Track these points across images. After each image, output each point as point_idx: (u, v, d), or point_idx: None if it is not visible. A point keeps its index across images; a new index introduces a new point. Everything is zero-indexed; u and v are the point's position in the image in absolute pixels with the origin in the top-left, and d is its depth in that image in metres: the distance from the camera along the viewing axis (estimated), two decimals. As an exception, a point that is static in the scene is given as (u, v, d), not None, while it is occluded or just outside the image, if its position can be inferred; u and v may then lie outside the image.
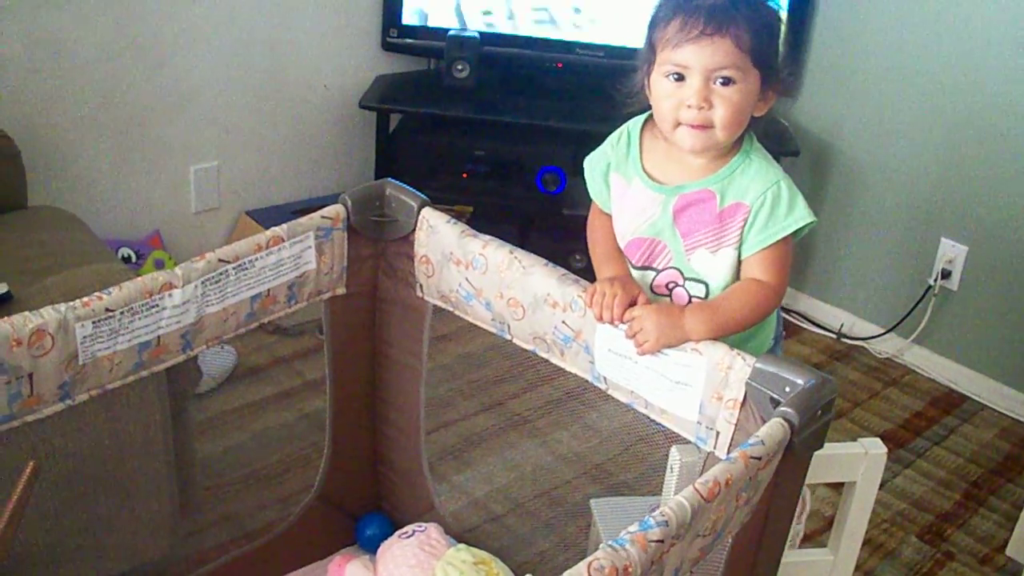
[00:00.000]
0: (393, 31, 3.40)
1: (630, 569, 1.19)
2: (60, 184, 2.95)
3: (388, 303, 2.02)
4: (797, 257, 3.40)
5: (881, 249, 3.35)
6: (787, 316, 3.50)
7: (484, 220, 3.44)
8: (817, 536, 2.56)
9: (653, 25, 1.63)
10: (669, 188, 1.68)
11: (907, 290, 3.31)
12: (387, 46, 3.44)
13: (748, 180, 1.64)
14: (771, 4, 1.65)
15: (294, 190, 3.49)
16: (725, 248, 1.66)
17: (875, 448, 1.72)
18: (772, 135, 3.17)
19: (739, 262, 1.67)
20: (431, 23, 3.39)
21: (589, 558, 1.18)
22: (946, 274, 3.19)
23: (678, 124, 1.61)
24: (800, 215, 1.63)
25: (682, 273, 1.70)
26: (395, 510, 2.20)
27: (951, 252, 3.18)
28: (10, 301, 1.98)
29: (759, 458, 1.36)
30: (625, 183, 1.74)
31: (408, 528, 2.00)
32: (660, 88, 1.62)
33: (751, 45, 1.56)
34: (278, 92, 3.35)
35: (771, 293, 1.65)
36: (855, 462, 1.73)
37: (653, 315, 1.61)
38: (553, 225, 3.49)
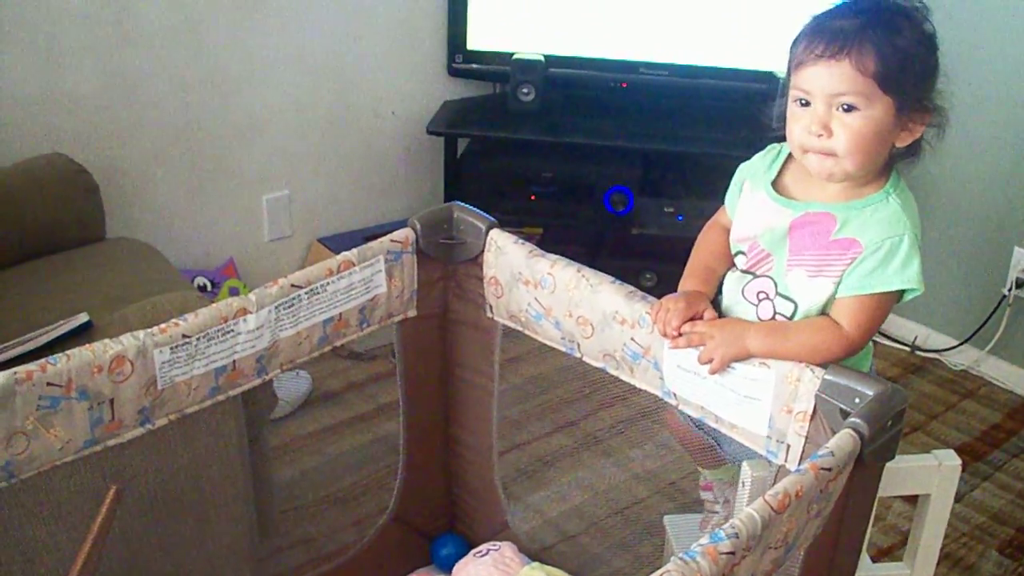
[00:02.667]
0: (458, 56, 3.44)
1: (701, 582, 1.19)
2: (137, 216, 3.02)
3: (459, 324, 2.04)
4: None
5: (954, 259, 3.31)
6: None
7: (553, 242, 3.50)
8: (894, 551, 2.53)
9: (792, 46, 1.58)
10: (798, 203, 1.63)
11: (981, 300, 3.26)
12: (453, 71, 3.48)
13: (875, 220, 1.56)
14: (919, 27, 1.54)
15: (364, 216, 3.54)
16: (824, 278, 1.59)
17: (949, 460, 1.71)
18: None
19: (834, 298, 1.60)
20: (496, 47, 3.41)
21: (660, 571, 1.18)
22: (1020, 283, 3.14)
23: (806, 151, 1.56)
24: (909, 277, 1.54)
25: (776, 286, 1.65)
26: (469, 530, 2.21)
27: (1025, 260, 3.13)
28: (91, 329, 2.03)
29: (829, 469, 1.35)
30: (751, 192, 1.71)
31: (483, 547, 2.01)
32: (790, 112, 1.58)
33: (876, 70, 1.48)
34: (346, 120, 3.40)
35: (844, 343, 1.56)
36: (929, 474, 1.71)
37: (716, 330, 1.61)
38: (622, 245, 3.50)
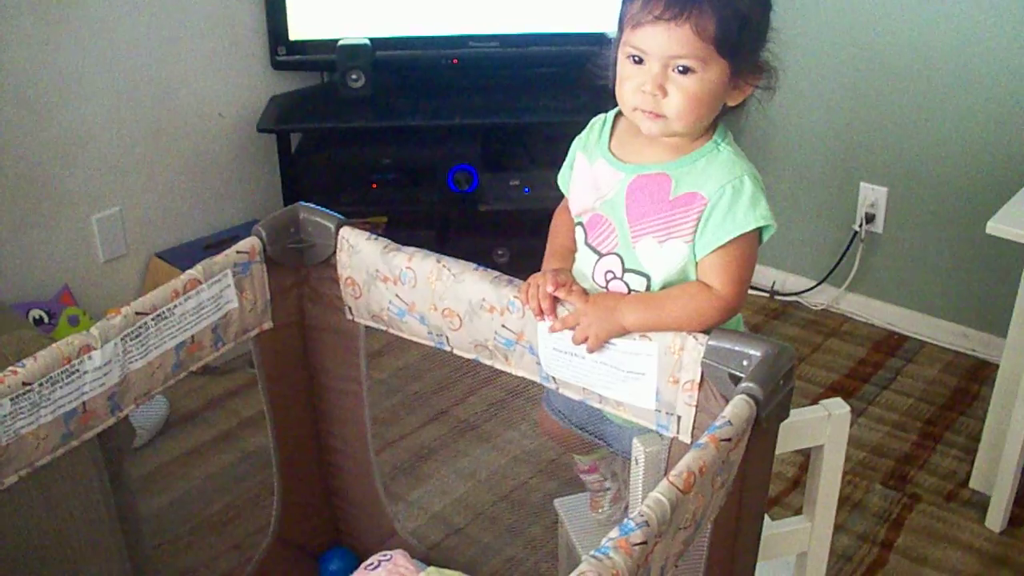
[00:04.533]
0: (281, 49, 3.31)
1: (617, 577, 1.13)
2: (-43, 253, 2.82)
3: (318, 330, 1.94)
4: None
5: (802, 201, 3.34)
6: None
7: (400, 227, 3.42)
8: (782, 499, 2.53)
9: (624, 1, 1.52)
10: (630, 166, 1.58)
11: (834, 239, 3.31)
12: (277, 64, 3.35)
13: (711, 170, 1.52)
14: None
15: (203, 225, 3.38)
16: (674, 240, 1.53)
17: (838, 408, 1.68)
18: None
19: (693, 262, 1.55)
20: (320, 35, 3.29)
21: (574, 573, 1.12)
22: (870, 218, 3.19)
23: (635, 109, 1.51)
24: (761, 215, 1.50)
25: (623, 262, 1.59)
26: (356, 541, 2.12)
27: (872, 195, 3.18)
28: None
29: (729, 440, 1.31)
30: (588, 163, 1.64)
31: (373, 559, 1.92)
32: (621, 69, 1.52)
33: (715, 34, 1.43)
34: (172, 127, 3.24)
35: (719, 303, 1.52)
36: (819, 425, 1.68)
37: (589, 309, 1.55)
38: (471, 224, 3.44)
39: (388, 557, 1.91)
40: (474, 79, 3.34)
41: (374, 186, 3.31)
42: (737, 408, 1.35)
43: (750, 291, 3.38)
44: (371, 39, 3.23)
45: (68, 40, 2.93)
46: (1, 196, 2.89)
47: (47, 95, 2.92)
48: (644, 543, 1.17)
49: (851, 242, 3.24)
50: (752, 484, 1.50)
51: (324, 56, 3.29)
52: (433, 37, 3.28)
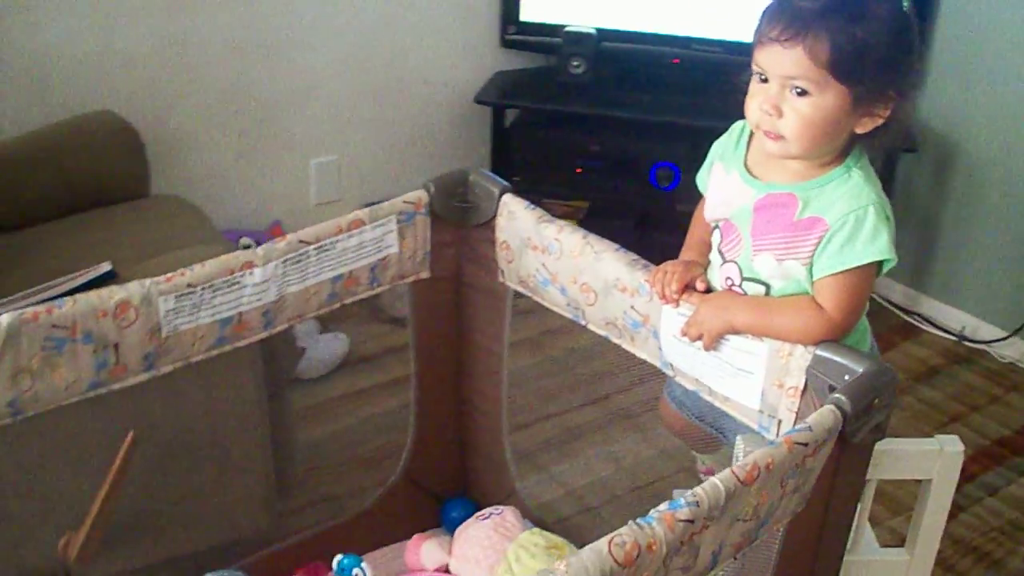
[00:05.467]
0: (511, 28, 3.44)
1: (654, 547, 1.18)
2: (183, 175, 3.07)
3: (471, 288, 2.05)
4: (919, 258, 3.35)
5: (1006, 249, 3.23)
6: (907, 318, 3.41)
7: (599, 216, 3.48)
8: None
9: (759, 20, 1.53)
10: (761, 184, 1.61)
11: (1033, 293, 3.19)
12: (506, 43, 3.48)
13: (837, 197, 1.52)
14: (889, 10, 1.48)
15: (411, 184, 3.49)
16: (792, 260, 1.56)
17: (951, 446, 1.67)
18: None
19: (809, 281, 1.56)
20: (550, 19, 3.40)
21: (611, 534, 1.18)
22: (1074, 277, 3.07)
23: (757, 125, 1.54)
24: (879, 249, 1.49)
25: (741, 272, 1.63)
26: (479, 494, 2.22)
27: (1080, 254, 3.05)
28: (113, 279, 2.08)
29: (805, 444, 1.34)
30: (724, 172, 1.68)
31: (486, 511, 2.02)
32: (751, 87, 1.55)
33: (830, 59, 1.43)
34: (397, 87, 3.42)
35: (827, 325, 1.52)
36: (931, 459, 1.68)
37: (703, 305, 1.60)
38: (667, 221, 3.45)
39: (499, 511, 2.01)
40: (692, 80, 3.37)
41: (578, 171, 3.40)
42: (821, 416, 1.38)
43: (937, 332, 3.32)
44: (598, 29, 3.31)
45: (311, -6, 3.15)
46: (231, 129, 3.14)
47: (285, 43, 3.15)
48: (690, 521, 1.22)
49: (1052, 299, 3.13)
50: (839, 499, 1.51)
51: (551, 39, 3.39)
52: (659, 35, 3.34)
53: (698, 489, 1.25)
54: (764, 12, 1.50)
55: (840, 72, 1.44)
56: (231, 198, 3.19)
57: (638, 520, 1.20)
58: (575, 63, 3.32)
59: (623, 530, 1.19)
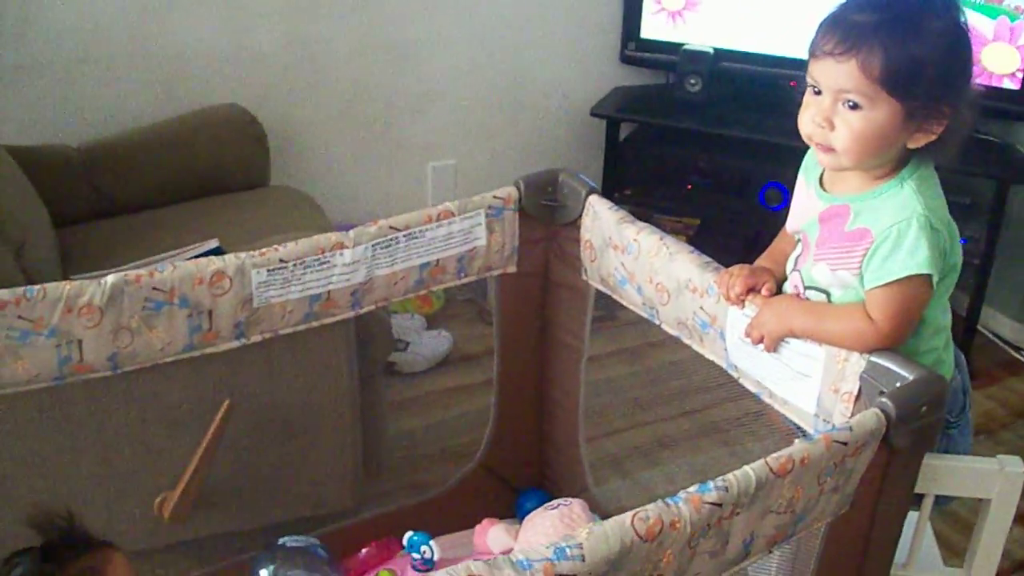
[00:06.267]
0: (631, 44, 3.50)
1: (678, 525, 1.23)
2: (303, 169, 3.22)
3: (557, 285, 2.11)
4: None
5: None
6: (1015, 354, 3.35)
7: (709, 233, 3.51)
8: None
9: (815, 32, 1.55)
10: (827, 196, 1.63)
11: None
12: (625, 59, 3.55)
13: (887, 208, 1.52)
14: (944, 25, 1.47)
15: (525, 191, 3.63)
16: (843, 272, 1.57)
17: (1013, 466, 1.67)
18: (993, 159, 3.08)
19: (863, 289, 1.56)
20: (670, 38, 3.45)
21: (637, 509, 1.23)
22: None
23: (810, 137, 1.56)
24: (919, 262, 1.48)
25: (803, 281, 1.66)
26: (554, 487, 2.28)
27: None
28: (220, 255, 2.19)
29: (845, 443, 1.37)
30: (805, 185, 1.71)
31: (555, 501, 2.08)
32: (805, 98, 1.56)
33: (883, 74, 1.44)
34: (517, 97, 3.52)
35: (877, 335, 1.51)
36: (990, 479, 1.68)
37: (765, 308, 1.64)
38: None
39: (568, 503, 2.06)
40: (807, 104, 3.38)
41: (689, 187, 3.44)
42: (864, 418, 1.40)
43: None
44: (715, 48, 3.36)
45: (440, 1, 3.26)
46: (353, 128, 3.28)
47: (409, 49, 3.28)
48: (718, 505, 1.26)
49: None
50: (886, 508, 1.53)
51: (669, 57, 3.44)
52: (776, 56, 3.36)
53: (729, 475, 1.29)
54: (820, 25, 1.52)
55: (892, 87, 1.45)
56: (348, 195, 3.32)
57: (666, 499, 1.25)
58: (691, 81, 3.36)
59: (649, 506, 1.24)
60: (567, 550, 1.17)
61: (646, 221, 1.92)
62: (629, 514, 1.21)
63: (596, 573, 1.18)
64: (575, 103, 3.59)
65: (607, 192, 3.32)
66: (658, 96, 3.57)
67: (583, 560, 1.17)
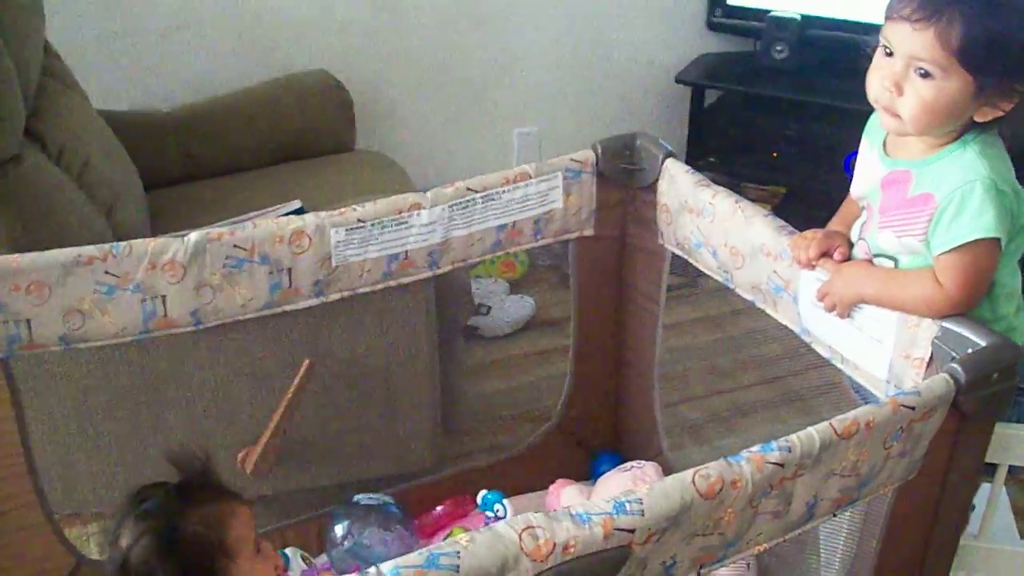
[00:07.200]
0: (718, 11, 3.47)
1: (739, 484, 1.24)
2: (389, 135, 3.26)
3: (633, 248, 2.12)
4: None
5: None
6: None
7: (795, 202, 3.48)
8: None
9: None
10: (889, 160, 1.62)
11: None
12: (712, 26, 3.52)
13: (949, 171, 1.50)
14: None
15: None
16: (909, 238, 1.55)
17: (1088, 438, 1.65)
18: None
19: (930, 255, 1.54)
20: (757, 4, 3.42)
21: (699, 467, 1.24)
22: None
23: (876, 100, 1.54)
24: (985, 226, 1.46)
25: (869, 248, 1.65)
26: (628, 450, 2.29)
27: None
28: (302, 215, 2.24)
29: (912, 408, 1.36)
30: (868, 149, 1.70)
31: (628, 464, 2.10)
32: (875, 58, 1.55)
33: (960, 47, 1.41)
34: (602, 64, 3.51)
35: (947, 302, 1.50)
36: (1067, 448, 1.66)
37: (836, 274, 1.63)
38: (862, 212, 3.44)
39: (641, 465, 2.08)
40: (896, 72, 3.33)
41: (774, 155, 3.41)
42: (934, 383, 1.40)
43: None
44: (802, 15, 3.31)
45: (525, -30, 3.28)
46: (439, 94, 3.32)
47: (497, 15, 3.30)
48: (780, 465, 1.27)
49: None
50: (956, 475, 1.52)
51: (756, 24, 3.40)
52: (863, 23, 3.29)
53: (792, 436, 1.29)
54: None
55: (968, 61, 1.42)
56: (433, 160, 3.35)
57: (728, 457, 1.26)
58: (778, 48, 3.32)
59: (711, 464, 1.25)
60: (627, 505, 1.19)
61: (731, 190, 1.91)
62: (690, 471, 1.23)
63: (656, 529, 1.20)
64: (660, 70, 3.57)
65: (691, 160, 3.31)
66: (744, 63, 3.53)
67: (642, 515, 1.18)
